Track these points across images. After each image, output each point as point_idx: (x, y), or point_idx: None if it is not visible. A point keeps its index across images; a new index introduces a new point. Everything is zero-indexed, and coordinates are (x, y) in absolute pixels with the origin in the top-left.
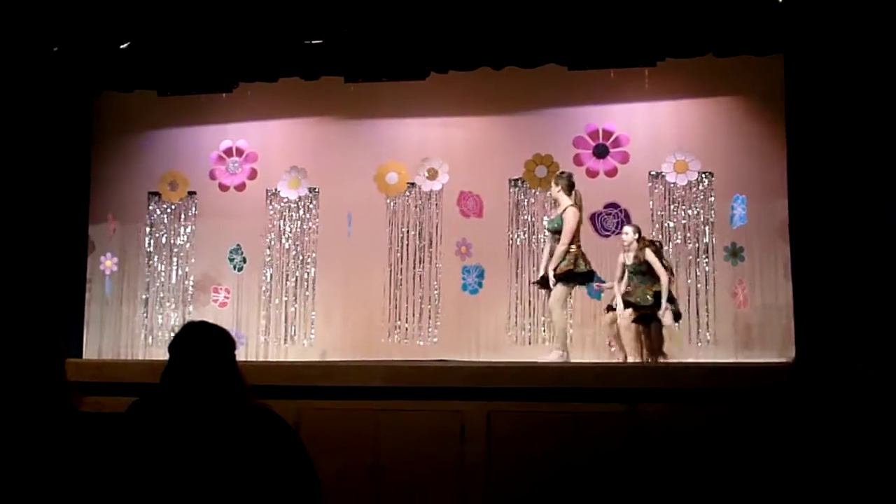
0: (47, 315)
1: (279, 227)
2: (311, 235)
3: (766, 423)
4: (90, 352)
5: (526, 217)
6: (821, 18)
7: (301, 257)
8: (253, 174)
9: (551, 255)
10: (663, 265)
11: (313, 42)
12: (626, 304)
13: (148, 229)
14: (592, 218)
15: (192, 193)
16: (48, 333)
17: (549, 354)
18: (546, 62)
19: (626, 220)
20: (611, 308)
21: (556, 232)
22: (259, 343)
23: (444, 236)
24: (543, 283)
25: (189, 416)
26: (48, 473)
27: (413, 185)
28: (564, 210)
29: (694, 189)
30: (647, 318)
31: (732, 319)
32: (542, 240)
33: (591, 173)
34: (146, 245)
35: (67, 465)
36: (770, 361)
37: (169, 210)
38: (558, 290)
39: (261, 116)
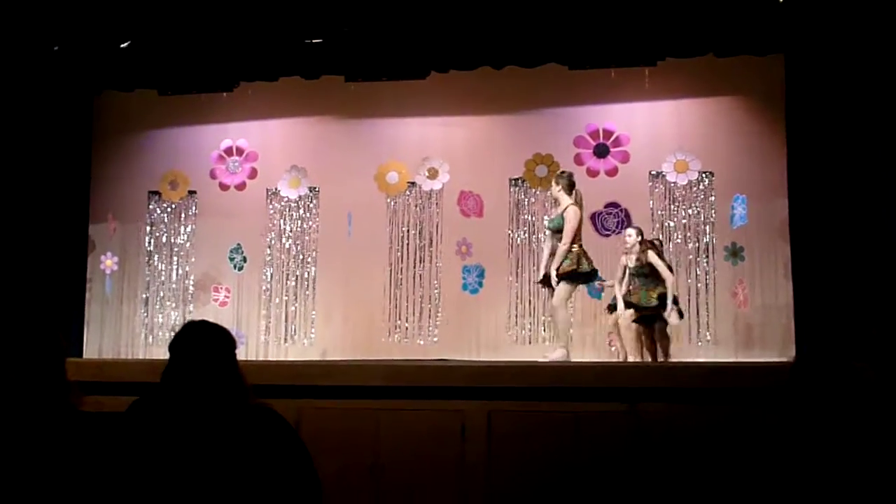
0: (48, 314)
1: (279, 226)
2: (311, 235)
3: (767, 423)
4: (90, 351)
5: (526, 216)
6: (821, 18)
7: (301, 257)
8: (253, 173)
9: (552, 254)
10: (666, 266)
11: (314, 41)
12: (628, 305)
13: (148, 228)
14: (593, 217)
15: (192, 193)
16: (48, 331)
17: (553, 353)
18: (546, 62)
19: (627, 219)
20: (612, 307)
21: (557, 231)
22: (259, 342)
23: (445, 236)
24: (546, 282)
25: (190, 416)
26: (48, 473)
27: (413, 184)
28: (565, 209)
29: (694, 189)
30: (648, 319)
31: (732, 319)
32: (542, 239)
33: (592, 173)
34: (146, 244)
35: (68, 464)
36: (770, 361)
37: (169, 209)
38: (561, 289)
39: (261, 116)
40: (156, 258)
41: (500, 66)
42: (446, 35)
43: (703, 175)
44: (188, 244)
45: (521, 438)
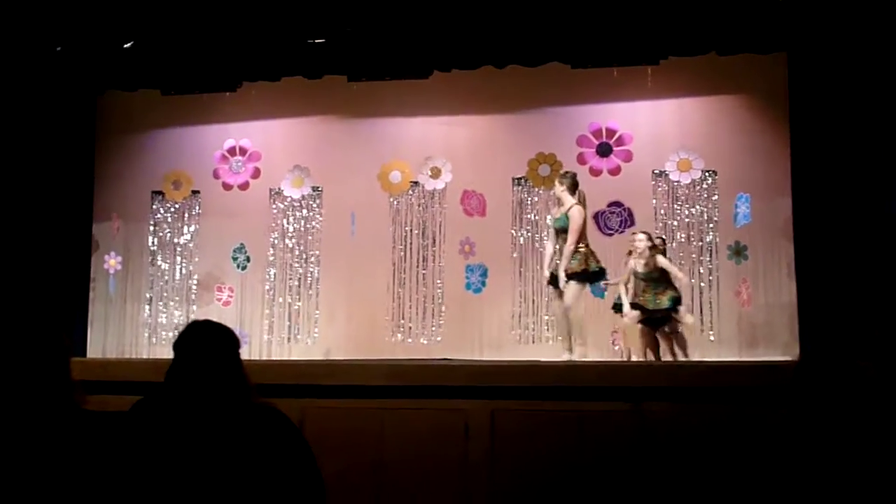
0: (51, 313)
1: (283, 225)
2: (314, 234)
3: (771, 422)
4: (94, 350)
5: (529, 215)
6: (824, 16)
7: (304, 256)
8: (256, 173)
9: (555, 253)
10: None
11: (316, 41)
12: (635, 307)
13: (152, 228)
14: (596, 216)
15: (195, 192)
16: (52, 330)
17: (574, 352)
18: (549, 61)
19: (630, 218)
20: (617, 307)
21: (562, 231)
22: (263, 342)
23: (448, 235)
24: (554, 282)
25: (194, 415)
26: (53, 472)
27: (416, 183)
28: (569, 209)
29: (697, 187)
30: (655, 321)
31: (736, 318)
32: (545, 238)
33: (595, 172)
34: (150, 244)
35: (72, 463)
36: (774, 360)
37: (172, 209)
38: (572, 289)
39: (264, 115)
40: (159, 258)
41: (503, 66)
42: (448, 34)
43: (707, 174)
44: (191, 244)
45: (525, 438)
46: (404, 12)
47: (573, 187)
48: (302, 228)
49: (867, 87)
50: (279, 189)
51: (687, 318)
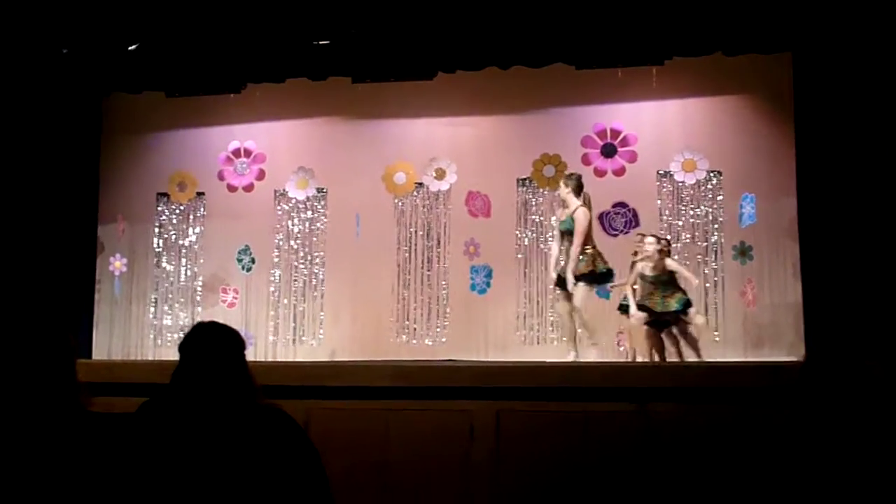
0: (57, 315)
1: (287, 227)
2: (319, 236)
3: (777, 423)
4: (99, 352)
5: (534, 217)
6: (829, 16)
7: (309, 257)
8: (261, 175)
9: (561, 255)
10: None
11: (321, 43)
12: (642, 309)
13: (157, 230)
14: (601, 217)
15: (200, 194)
16: (58, 332)
17: (588, 351)
18: (553, 61)
19: (635, 219)
20: (623, 308)
21: (568, 233)
22: (268, 343)
23: (452, 236)
24: (561, 284)
25: (199, 416)
26: (59, 473)
27: (421, 185)
28: (574, 211)
29: (702, 188)
30: (661, 323)
31: (741, 318)
32: (550, 239)
33: (599, 172)
34: (155, 245)
35: (78, 464)
36: (779, 360)
37: (178, 211)
38: (581, 291)
39: (269, 117)
40: (164, 259)
41: (507, 67)
42: (453, 36)
43: (711, 174)
44: (196, 245)
45: (530, 438)
46: (408, 14)
47: (578, 189)
48: (307, 230)
49: (872, 88)
50: (284, 190)
51: (697, 318)
